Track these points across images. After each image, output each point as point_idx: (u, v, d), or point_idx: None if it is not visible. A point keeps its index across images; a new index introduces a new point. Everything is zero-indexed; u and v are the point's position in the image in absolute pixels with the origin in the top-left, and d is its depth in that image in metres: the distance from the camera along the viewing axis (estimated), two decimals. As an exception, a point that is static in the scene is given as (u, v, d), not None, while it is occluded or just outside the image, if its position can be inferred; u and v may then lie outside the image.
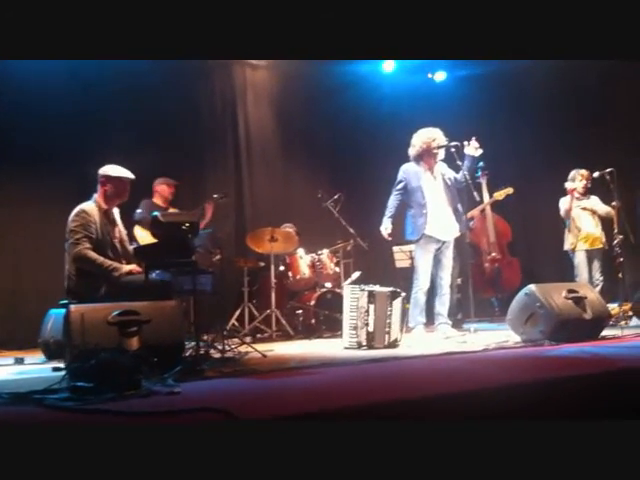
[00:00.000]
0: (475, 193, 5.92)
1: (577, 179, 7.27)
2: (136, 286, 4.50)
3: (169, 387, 3.26)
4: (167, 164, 7.33)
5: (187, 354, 4.32)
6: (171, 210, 6.66)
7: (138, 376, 3.24)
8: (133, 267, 4.71)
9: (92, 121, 7.11)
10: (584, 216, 7.35)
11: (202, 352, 4.56)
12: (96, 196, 4.84)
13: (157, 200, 6.97)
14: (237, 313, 7.19)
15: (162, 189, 7.03)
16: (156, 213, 4.55)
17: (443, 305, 6.14)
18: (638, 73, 8.23)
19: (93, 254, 4.59)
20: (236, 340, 5.54)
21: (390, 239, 6.26)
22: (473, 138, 5.98)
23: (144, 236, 6.07)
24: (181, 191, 7.19)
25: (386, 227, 6.18)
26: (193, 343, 4.41)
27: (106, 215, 4.83)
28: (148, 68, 6.89)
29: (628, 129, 8.41)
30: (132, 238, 5.81)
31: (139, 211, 6.43)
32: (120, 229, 4.96)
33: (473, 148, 5.95)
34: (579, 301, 4.97)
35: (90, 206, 4.77)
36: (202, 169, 8.24)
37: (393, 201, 6.22)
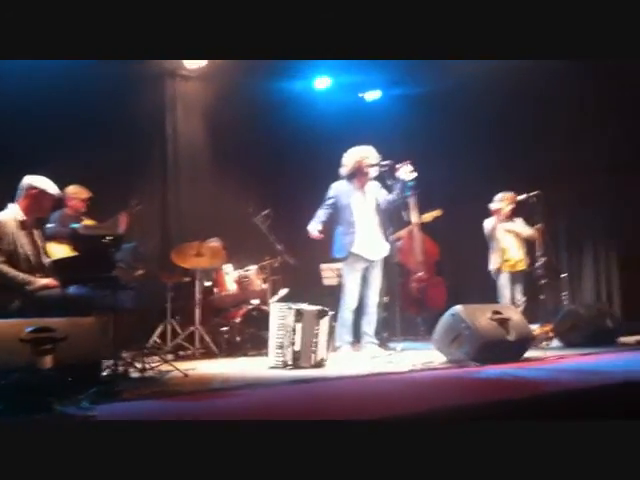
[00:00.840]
0: (404, 213, 5.94)
1: (503, 201, 7.39)
2: (52, 301, 4.31)
3: (84, 410, 3.08)
4: (87, 174, 6.97)
5: (105, 373, 4.13)
6: (85, 222, 6.34)
7: (50, 398, 3.05)
8: (49, 281, 4.50)
9: (6, 125, 6.75)
10: (508, 238, 7.47)
11: (120, 371, 4.38)
12: (14, 205, 4.60)
13: (69, 211, 6.50)
14: (159, 330, 6.95)
15: (74, 197, 6.53)
16: (76, 225, 4.36)
17: (370, 324, 6.13)
18: (569, 99, 8.49)
19: (4, 267, 4.35)
20: (157, 358, 5.34)
21: (322, 236, 6.15)
22: (407, 162, 5.99)
23: (59, 251, 5.75)
24: (102, 203, 6.82)
25: (315, 227, 6.11)
26: (111, 361, 4.22)
27: (23, 226, 4.59)
28: (70, 72, 6.62)
29: (554, 155, 8.65)
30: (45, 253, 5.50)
31: (51, 225, 6.09)
32: (36, 240, 4.73)
33: (407, 172, 5.96)
34: (503, 322, 5.02)
35: (6, 216, 4.53)
36: (126, 180, 7.90)
37: (322, 213, 6.19)
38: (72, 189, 6.55)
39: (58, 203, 6.00)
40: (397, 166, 5.99)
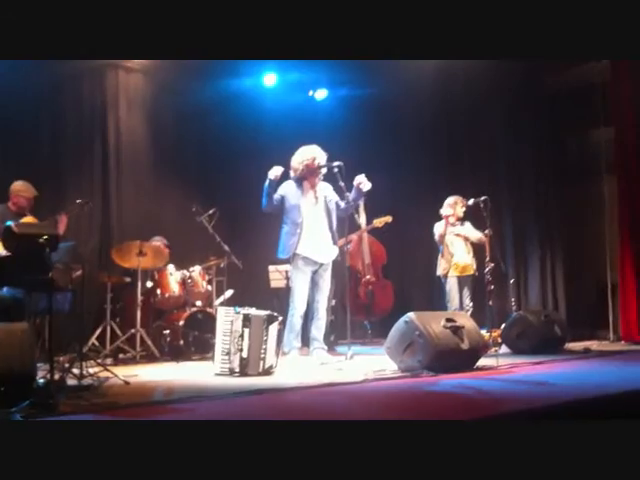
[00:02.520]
0: (356, 216, 5.82)
1: (457, 204, 7.34)
2: (-18, 304, 4.00)
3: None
4: (26, 169, 6.64)
5: (39, 379, 3.85)
6: (28, 219, 5.99)
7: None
8: (-21, 282, 4.19)
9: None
10: (457, 242, 7.43)
11: (56, 378, 4.10)
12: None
13: (12, 207, 6.14)
14: (98, 332, 6.65)
15: (20, 195, 6.15)
16: (10, 223, 4.05)
17: (319, 330, 5.98)
18: (515, 99, 8.55)
19: None
20: (95, 363, 5.06)
21: (280, 171, 5.87)
22: (362, 174, 5.87)
23: None
24: (40, 199, 6.44)
25: (272, 171, 5.82)
26: (46, 366, 3.93)
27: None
28: (10, 64, 6.27)
29: (503, 160, 8.69)
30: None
31: None
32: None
33: (363, 183, 5.84)
34: (457, 330, 4.93)
35: None
36: (65, 177, 7.54)
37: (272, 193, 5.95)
38: (17, 185, 6.16)
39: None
40: (356, 178, 5.87)
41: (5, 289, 4.44)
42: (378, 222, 7.89)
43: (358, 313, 8.15)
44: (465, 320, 5.18)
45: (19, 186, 6.18)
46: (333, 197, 6.09)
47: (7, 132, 6.87)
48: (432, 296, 8.44)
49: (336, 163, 5.87)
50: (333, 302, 7.26)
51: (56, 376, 4.06)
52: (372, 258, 8.47)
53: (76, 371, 4.45)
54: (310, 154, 6.02)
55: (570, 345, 6.84)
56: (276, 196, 5.95)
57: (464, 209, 7.33)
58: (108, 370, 4.67)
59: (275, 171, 5.81)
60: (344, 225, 6.10)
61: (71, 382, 4.30)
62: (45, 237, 3.94)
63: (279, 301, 7.37)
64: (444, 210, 7.38)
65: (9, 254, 4.09)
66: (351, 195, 5.92)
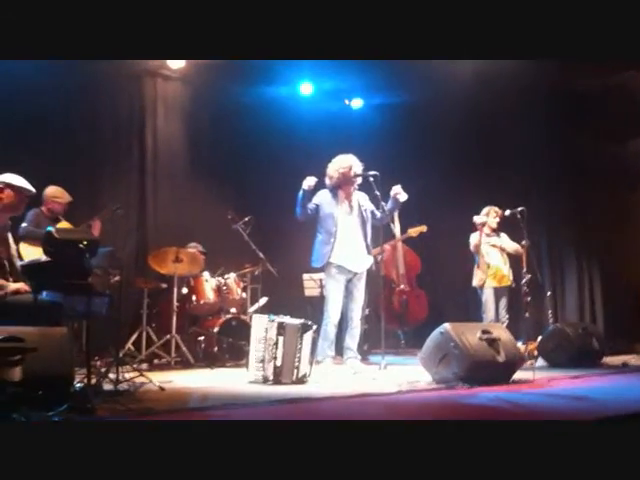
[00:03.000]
0: (391, 225, 5.80)
1: (490, 215, 7.29)
2: (23, 308, 4.05)
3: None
4: (61, 173, 6.71)
5: (76, 384, 3.90)
6: (61, 224, 6.06)
7: (15, 414, 2.82)
8: (21, 286, 4.25)
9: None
10: (493, 253, 7.37)
11: (93, 382, 4.15)
12: (-14, 205, 4.37)
13: (46, 212, 6.23)
14: (134, 337, 6.73)
15: (55, 201, 6.24)
16: (50, 228, 4.12)
17: (353, 339, 5.97)
18: (551, 112, 8.44)
19: (-25, 269, 4.11)
20: (130, 368, 5.10)
21: (314, 182, 5.88)
22: (399, 185, 5.87)
23: (31, 253, 5.47)
24: (76, 204, 6.51)
25: (306, 180, 5.84)
26: (83, 370, 3.98)
27: (-5, 226, 4.36)
28: (48, 70, 6.39)
29: (540, 169, 8.58)
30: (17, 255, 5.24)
31: (24, 225, 5.82)
32: (9, 243, 4.49)
33: (400, 194, 5.86)
34: (493, 342, 4.87)
35: (-22, 216, 4.29)
36: (101, 182, 7.64)
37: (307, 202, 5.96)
38: (52, 191, 6.22)
39: (34, 202, 5.80)
40: (393, 189, 5.89)
41: (44, 293, 4.50)
42: (413, 232, 7.85)
43: (392, 322, 8.10)
44: (501, 332, 5.11)
45: (54, 191, 6.24)
46: (368, 206, 6.09)
47: (44, 136, 6.98)
48: (467, 307, 8.35)
49: (372, 172, 5.87)
50: (367, 311, 7.24)
51: (93, 380, 4.11)
52: (406, 267, 8.42)
53: (112, 376, 4.50)
54: (346, 163, 6.02)
55: (608, 359, 6.71)
56: (311, 205, 5.96)
57: (497, 219, 7.27)
58: (144, 376, 4.71)
59: (309, 181, 5.82)
60: (379, 234, 6.08)
61: (107, 387, 4.34)
62: (85, 242, 4.00)
63: (313, 309, 7.36)
64: (477, 219, 7.33)
65: (49, 259, 4.14)
66: (387, 205, 5.92)
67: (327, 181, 6.07)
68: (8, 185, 4.41)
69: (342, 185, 6.03)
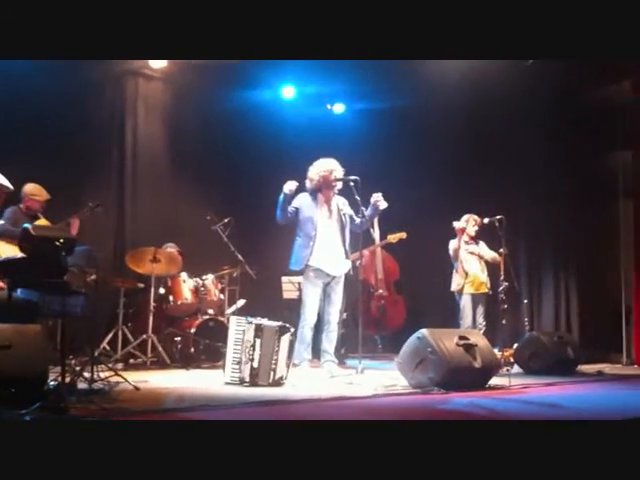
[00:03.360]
0: (371, 230, 5.80)
1: (469, 223, 7.34)
2: (-4, 305, 4.01)
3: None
4: (41, 172, 6.61)
5: (50, 382, 3.85)
6: (41, 222, 6.00)
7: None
8: (-5, 283, 4.21)
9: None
10: (471, 260, 7.42)
11: (67, 381, 4.10)
12: (-38, 200, 4.32)
13: (25, 210, 6.11)
14: (110, 336, 6.67)
15: (33, 199, 6.12)
16: (27, 225, 4.06)
17: (330, 342, 5.97)
18: (532, 122, 8.51)
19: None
20: (106, 367, 5.06)
21: (294, 186, 5.86)
22: (379, 193, 5.88)
23: (7, 251, 5.40)
24: (54, 202, 6.37)
25: (287, 185, 5.80)
26: (58, 368, 3.93)
27: (-32, 222, 4.30)
28: (33, 68, 6.32)
29: (519, 180, 8.64)
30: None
31: (1, 222, 5.74)
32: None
33: (380, 201, 5.87)
34: (470, 348, 4.90)
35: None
36: (80, 181, 7.53)
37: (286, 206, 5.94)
38: (31, 188, 6.12)
39: (12, 200, 5.73)
40: (374, 196, 5.88)
41: (19, 291, 4.45)
42: (392, 238, 7.87)
43: (369, 327, 8.11)
44: (478, 338, 5.14)
45: (32, 189, 6.14)
46: (348, 211, 6.09)
47: (22, 134, 6.91)
48: (444, 313, 8.37)
49: (352, 177, 5.87)
50: (344, 315, 7.24)
51: (67, 379, 4.06)
52: (385, 273, 8.45)
53: (87, 375, 4.46)
54: (327, 166, 6.02)
55: (583, 367, 6.77)
56: (290, 208, 5.95)
57: (476, 228, 7.32)
58: (119, 375, 4.68)
59: (290, 185, 5.81)
60: (358, 240, 6.08)
61: (82, 386, 4.30)
62: (62, 240, 3.95)
63: (290, 312, 7.34)
64: (458, 224, 7.38)
65: (24, 256, 4.09)
66: (367, 211, 5.92)
67: (307, 184, 6.07)
68: None
69: (322, 189, 6.03)
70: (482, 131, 8.80)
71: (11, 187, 4.47)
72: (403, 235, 7.85)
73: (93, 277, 5.75)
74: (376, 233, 8.02)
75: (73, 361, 5.44)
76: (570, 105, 8.39)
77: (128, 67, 7.95)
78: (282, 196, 5.85)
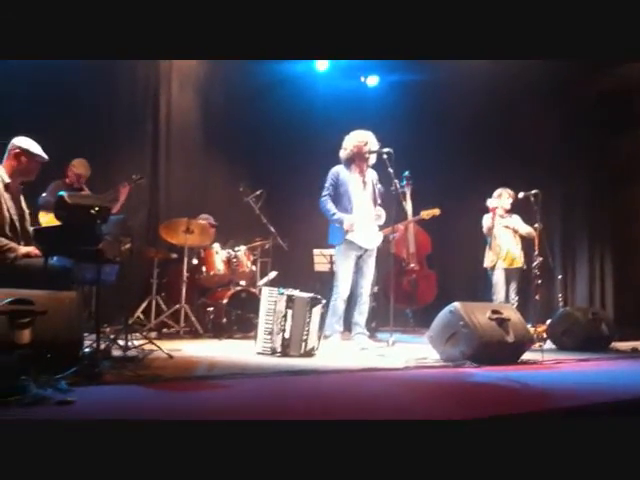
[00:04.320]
0: (404, 203, 5.76)
1: (503, 197, 7.26)
2: (33, 271, 4.06)
3: (61, 393, 2.86)
4: (80, 145, 6.73)
5: (85, 349, 3.90)
6: (83, 194, 6.11)
7: (24, 379, 2.82)
8: (32, 249, 4.27)
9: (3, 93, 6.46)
10: (505, 235, 7.35)
11: (102, 347, 4.16)
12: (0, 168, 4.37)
13: (69, 184, 6.34)
14: (143, 305, 6.78)
15: (76, 173, 6.36)
16: (62, 193, 4.09)
17: (361, 315, 5.96)
18: (567, 96, 8.34)
19: (-13, 228, 4.12)
20: (139, 336, 5.13)
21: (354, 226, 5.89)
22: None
23: (49, 222, 5.51)
24: (93, 174, 6.59)
25: (347, 220, 5.85)
26: (92, 336, 3.99)
27: (7, 189, 4.35)
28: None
29: (554, 155, 8.50)
30: (36, 224, 5.27)
31: (44, 195, 5.90)
32: (22, 207, 4.50)
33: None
34: (502, 323, 4.84)
35: (-9, 178, 4.29)
36: (117, 153, 7.60)
37: (331, 203, 5.93)
38: (75, 163, 6.40)
39: (56, 174, 5.86)
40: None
41: (55, 258, 4.50)
42: (426, 214, 7.79)
43: (400, 301, 8.07)
44: (511, 313, 5.08)
45: (77, 163, 6.37)
46: (380, 185, 6.08)
47: (61, 110, 6.95)
48: (476, 289, 8.32)
49: (386, 150, 5.82)
50: (375, 289, 7.23)
51: (102, 346, 4.12)
52: (417, 247, 8.40)
53: (121, 342, 4.52)
54: (363, 138, 5.99)
55: (617, 345, 6.67)
56: (329, 189, 5.94)
57: (511, 200, 7.25)
58: (153, 343, 4.73)
59: (350, 225, 5.82)
60: (390, 214, 6.04)
61: (116, 353, 4.36)
62: (97, 208, 3.98)
63: (322, 285, 7.36)
64: (490, 202, 7.30)
65: (60, 224, 4.13)
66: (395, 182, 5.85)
67: (341, 153, 6.03)
68: (23, 151, 4.41)
69: (355, 159, 5.99)
70: (520, 105, 8.65)
71: (46, 157, 4.51)
72: (437, 211, 7.77)
73: (128, 246, 5.80)
74: (409, 207, 7.96)
75: (107, 329, 5.54)
76: (611, 85, 8.17)
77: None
78: (337, 221, 5.88)
